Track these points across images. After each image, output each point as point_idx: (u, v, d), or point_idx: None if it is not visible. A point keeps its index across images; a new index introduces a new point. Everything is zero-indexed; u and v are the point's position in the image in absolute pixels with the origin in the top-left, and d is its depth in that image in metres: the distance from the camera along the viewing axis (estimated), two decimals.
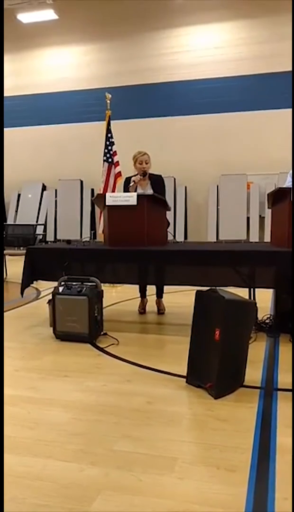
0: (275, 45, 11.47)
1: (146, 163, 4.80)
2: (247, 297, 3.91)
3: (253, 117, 11.81)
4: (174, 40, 12.45)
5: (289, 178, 4.71)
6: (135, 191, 4.77)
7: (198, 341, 2.91)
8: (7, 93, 12.91)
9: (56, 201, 13.28)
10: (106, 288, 4.41)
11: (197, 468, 2.01)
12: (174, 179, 12.01)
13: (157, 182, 4.86)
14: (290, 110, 10.25)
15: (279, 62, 11.35)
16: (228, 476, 1.94)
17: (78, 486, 1.89)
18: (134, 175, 4.84)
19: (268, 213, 8.70)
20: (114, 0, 12.47)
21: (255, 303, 3.41)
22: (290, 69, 10.94)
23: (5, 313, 5.08)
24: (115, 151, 7.32)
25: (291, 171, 4.73)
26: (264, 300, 4.76)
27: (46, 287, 5.84)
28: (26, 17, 12.98)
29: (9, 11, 12.96)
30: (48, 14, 12.84)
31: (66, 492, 1.85)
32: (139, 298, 5.13)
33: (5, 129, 12.54)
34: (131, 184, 4.80)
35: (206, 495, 1.82)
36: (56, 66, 13.43)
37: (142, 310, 5.06)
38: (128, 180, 4.90)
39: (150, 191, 4.68)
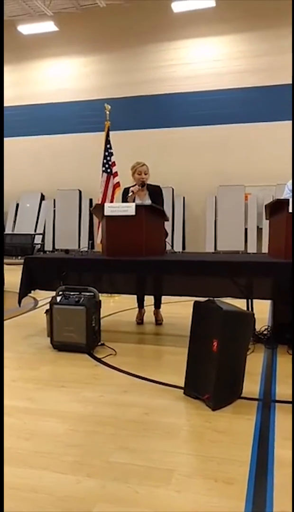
0: (273, 58, 11.61)
1: (145, 174, 4.82)
2: (244, 308, 3.91)
3: (250, 129, 11.90)
4: (173, 53, 12.59)
5: (287, 190, 4.73)
6: (134, 201, 4.78)
7: (196, 352, 2.90)
8: (7, 103, 12.98)
9: (54, 211, 13.31)
10: (104, 298, 4.40)
11: (194, 480, 2.00)
12: (173, 189, 12.06)
13: (155, 192, 4.88)
14: (287, 122, 10.35)
15: (277, 75, 11.48)
16: (226, 489, 1.93)
17: (74, 498, 1.87)
18: (133, 186, 4.86)
19: (265, 224, 8.74)
20: (113, 13, 12.62)
21: (253, 314, 3.40)
22: (287, 82, 11.06)
23: None
24: (114, 162, 7.35)
25: (288, 183, 4.75)
26: (262, 311, 4.75)
27: (43, 296, 5.83)
28: (26, 28, 13.13)
29: (10, 22, 13.11)
30: (48, 26, 12.99)
31: (62, 505, 1.83)
32: (137, 309, 5.11)
33: (4, 139, 12.61)
34: (129, 195, 4.81)
35: (203, 508, 1.80)
36: (56, 77, 13.55)
37: (140, 320, 5.04)
38: (126, 191, 4.92)
39: (148, 202, 4.70)
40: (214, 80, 12.20)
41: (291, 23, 10.61)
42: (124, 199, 4.88)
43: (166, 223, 4.77)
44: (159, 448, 2.27)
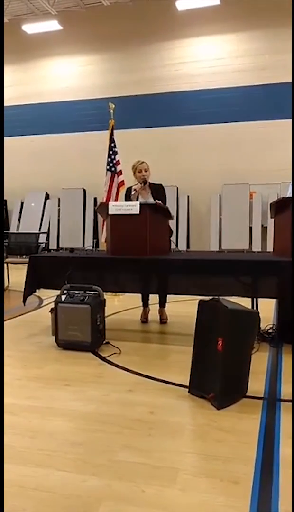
0: (278, 56, 11.55)
1: (146, 171, 4.83)
2: (249, 306, 3.90)
3: (255, 127, 11.86)
4: (177, 51, 12.55)
5: (291, 189, 4.72)
6: (137, 200, 4.79)
7: (201, 351, 2.89)
8: (11, 102, 13.03)
9: (59, 209, 13.32)
10: (108, 297, 4.41)
11: (200, 479, 1.99)
12: (177, 188, 12.04)
13: (158, 191, 4.88)
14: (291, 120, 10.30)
15: (281, 74, 11.42)
16: (231, 488, 1.92)
17: (79, 497, 1.87)
18: (135, 185, 4.86)
19: (270, 223, 8.71)
20: (117, 11, 12.60)
21: (258, 313, 3.39)
22: (291, 80, 11.00)
23: (7, 322, 5.07)
24: (118, 160, 7.35)
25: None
26: (267, 310, 4.75)
27: (48, 295, 5.83)
28: (30, 27, 13.11)
29: (14, 22, 13.12)
30: (52, 25, 12.97)
31: (67, 503, 1.83)
32: (142, 307, 5.11)
33: (9, 138, 12.65)
34: (132, 193, 4.81)
35: (209, 507, 1.80)
36: (60, 76, 13.54)
37: (145, 319, 5.04)
38: (129, 190, 4.92)
39: (151, 200, 4.70)
40: (218, 78, 12.15)
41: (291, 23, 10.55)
42: (127, 198, 4.88)
43: (170, 221, 4.76)
44: (164, 447, 2.27)
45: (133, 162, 4.96)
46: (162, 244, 4.53)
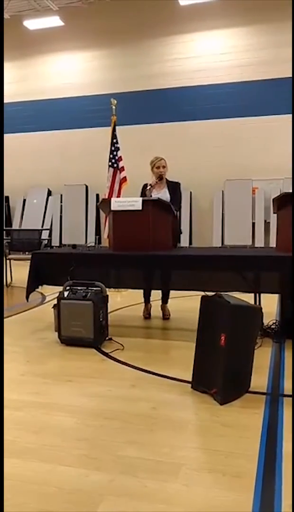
0: (280, 51, 11.48)
1: (163, 168, 4.94)
2: (252, 302, 3.90)
3: (258, 123, 11.81)
4: (179, 46, 12.50)
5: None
6: (151, 195, 4.82)
7: (204, 347, 2.90)
8: (13, 98, 13.02)
9: (61, 206, 13.32)
10: (111, 293, 4.41)
11: (203, 474, 2.00)
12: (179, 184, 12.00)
13: (175, 188, 5.05)
14: None
15: (284, 68, 11.36)
16: (234, 483, 1.92)
17: (82, 491, 1.88)
18: (151, 182, 4.93)
19: (273, 218, 8.69)
20: (119, 6, 12.55)
21: (261, 309, 3.39)
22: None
23: (10, 318, 5.09)
24: (120, 156, 7.34)
25: None
26: (270, 305, 4.74)
27: (51, 292, 5.84)
28: (32, 23, 13.07)
29: (16, 18, 13.08)
30: (54, 21, 12.93)
31: (70, 498, 1.84)
32: (144, 304, 5.11)
33: (11, 134, 12.64)
34: (148, 188, 4.85)
35: (212, 501, 1.80)
36: (62, 72, 13.51)
37: (147, 315, 5.05)
38: (145, 186, 4.96)
39: (164, 193, 4.76)
40: (221, 73, 12.09)
41: None
42: (143, 193, 4.91)
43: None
44: (167, 442, 2.27)
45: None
46: (164, 240, 4.52)
